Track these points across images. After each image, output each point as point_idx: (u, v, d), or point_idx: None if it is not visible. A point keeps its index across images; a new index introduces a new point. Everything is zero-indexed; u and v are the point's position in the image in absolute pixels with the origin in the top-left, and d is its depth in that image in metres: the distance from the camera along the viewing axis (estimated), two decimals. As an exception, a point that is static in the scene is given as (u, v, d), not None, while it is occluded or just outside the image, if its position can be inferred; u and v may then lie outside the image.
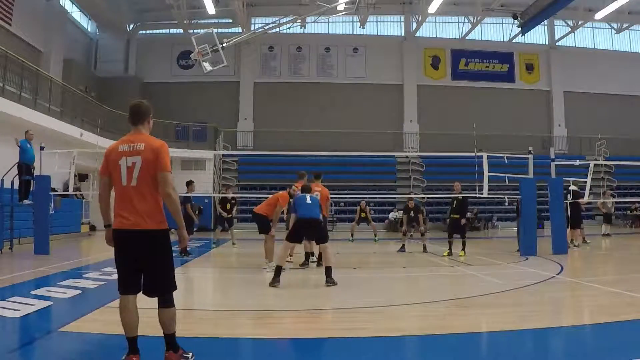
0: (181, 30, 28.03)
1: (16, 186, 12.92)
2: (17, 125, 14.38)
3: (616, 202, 21.33)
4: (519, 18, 23.14)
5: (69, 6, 26.82)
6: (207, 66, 18.24)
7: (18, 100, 15.66)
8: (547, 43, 32.24)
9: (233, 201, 15.56)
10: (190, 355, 3.86)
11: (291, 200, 9.27)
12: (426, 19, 29.25)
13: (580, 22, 29.77)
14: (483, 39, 32.07)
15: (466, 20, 30.37)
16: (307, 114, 29.34)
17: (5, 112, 14.72)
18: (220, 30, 22.87)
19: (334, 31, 31.69)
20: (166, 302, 3.79)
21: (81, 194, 19.71)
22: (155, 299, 3.80)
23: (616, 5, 25.08)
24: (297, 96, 30.03)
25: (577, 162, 15.21)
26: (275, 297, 7.02)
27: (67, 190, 15.57)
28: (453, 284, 8.58)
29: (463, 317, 5.68)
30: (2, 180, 12.59)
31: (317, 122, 28.36)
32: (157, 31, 31.42)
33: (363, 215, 17.85)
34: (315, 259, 10.23)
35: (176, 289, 3.88)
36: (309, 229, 8.21)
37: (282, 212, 10.29)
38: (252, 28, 27.46)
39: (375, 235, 17.59)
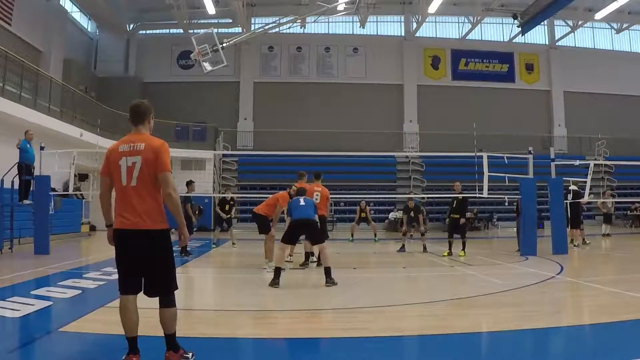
0: (181, 30, 28.04)
1: (16, 186, 12.91)
2: (17, 125, 14.37)
3: (616, 202, 21.34)
4: (519, 18, 23.17)
5: (69, 6, 26.82)
6: (207, 66, 18.24)
7: (18, 100, 15.65)
8: (547, 43, 32.23)
9: (232, 202, 15.58)
10: (190, 355, 3.86)
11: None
12: (426, 19, 29.20)
13: (580, 22, 29.76)
14: (483, 39, 32.06)
15: (466, 20, 30.37)
16: (307, 114, 29.33)
17: (5, 112, 14.72)
18: (220, 30, 22.83)
19: (334, 31, 31.68)
20: (167, 302, 3.80)
21: (81, 194, 19.70)
22: (156, 299, 3.80)
23: (616, 5, 25.07)
24: (297, 96, 30.02)
25: (577, 162, 15.22)
26: (275, 297, 7.02)
27: (67, 190, 15.56)
28: (453, 284, 8.57)
29: (463, 317, 5.68)
30: (2, 180, 12.58)
31: (317, 122, 28.36)
32: (157, 31, 31.40)
33: (363, 215, 17.84)
34: (315, 259, 10.22)
35: (177, 288, 3.88)
36: (303, 230, 8.28)
37: (282, 212, 10.29)
38: (252, 28, 27.45)
39: (375, 235, 17.58)
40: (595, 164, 16.05)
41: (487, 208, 25.39)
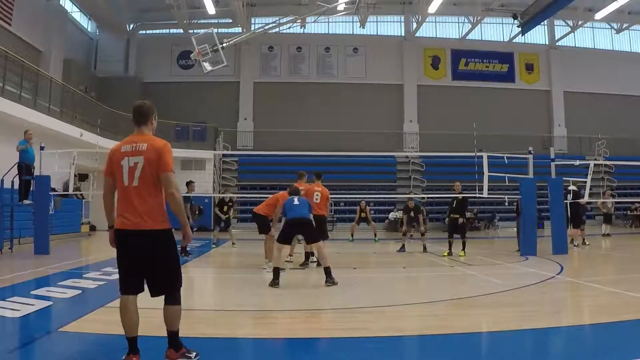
0: (181, 30, 28.03)
1: (16, 186, 12.91)
2: (17, 125, 14.37)
3: (616, 202, 21.34)
4: (519, 18, 23.16)
5: (69, 6, 26.81)
6: (207, 66, 18.23)
7: (18, 100, 15.65)
8: (547, 43, 32.22)
9: (230, 203, 15.58)
10: (194, 354, 3.85)
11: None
12: (426, 19, 29.20)
13: (580, 22, 29.76)
14: (483, 39, 32.05)
15: (466, 20, 30.36)
16: (307, 114, 29.32)
17: (5, 112, 14.71)
18: (220, 30, 22.83)
19: (334, 31, 31.67)
20: (173, 300, 3.81)
21: (81, 194, 19.69)
22: (156, 299, 3.80)
23: (616, 5, 25.07)
24: (297, 96, 30.01)
25: (577, 162, 15.23)
26: (275, 297, 7.02)
27: (67, 190, 15.56)
28: (453, 284, 8.58)
29: (463, 317, 5.68)
30: (2, 180, 12.58)
31: (317, 122, 28.35)
32: (157, 31, 31.40)
33: (363, 215, 17.84)
34: (315, 259, 10.21)
35: (182, 285, 3.88)
36: (298, 229, 8.32)
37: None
38: (252, 28, 27.44)
39: (375, 236, 17.58)
40: (595, 164, 16.04)
41: (487, 208, 25.38)
